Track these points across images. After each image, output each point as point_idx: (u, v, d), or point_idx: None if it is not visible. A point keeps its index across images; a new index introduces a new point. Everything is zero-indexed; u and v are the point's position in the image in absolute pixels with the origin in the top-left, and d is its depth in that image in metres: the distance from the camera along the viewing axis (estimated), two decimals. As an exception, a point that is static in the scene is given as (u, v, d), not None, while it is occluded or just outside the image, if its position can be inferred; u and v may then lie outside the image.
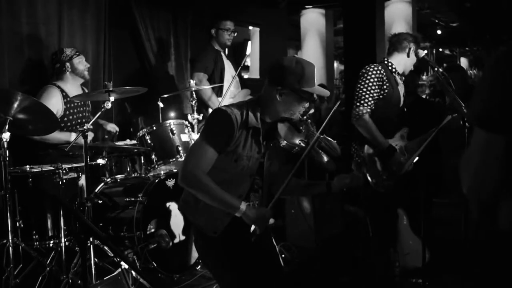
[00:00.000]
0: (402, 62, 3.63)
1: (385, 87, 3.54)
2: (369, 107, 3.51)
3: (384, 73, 3.56)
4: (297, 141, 2.66)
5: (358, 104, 3.53)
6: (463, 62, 20.09)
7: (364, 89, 3.53)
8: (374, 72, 3.54)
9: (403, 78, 3.76)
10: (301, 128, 2.67)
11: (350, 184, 2.78)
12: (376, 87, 3.51)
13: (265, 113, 2.61)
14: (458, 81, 4.59)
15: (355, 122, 3.55)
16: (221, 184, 2.48)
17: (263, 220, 2.50)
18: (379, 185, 3.49)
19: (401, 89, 3.68)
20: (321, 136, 2.70)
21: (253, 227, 2.50)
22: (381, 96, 3.55)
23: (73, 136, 4.31)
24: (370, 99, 3.52)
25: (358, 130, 3.60)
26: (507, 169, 1.63)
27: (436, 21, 13.54)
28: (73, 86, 4.58)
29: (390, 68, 3.63)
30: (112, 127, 4.84)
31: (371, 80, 3.53)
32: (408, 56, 3.62)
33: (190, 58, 6.60)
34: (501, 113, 1.59)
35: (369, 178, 3.45)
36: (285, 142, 2.65)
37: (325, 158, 2.76)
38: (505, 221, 1.67)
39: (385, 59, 3.68)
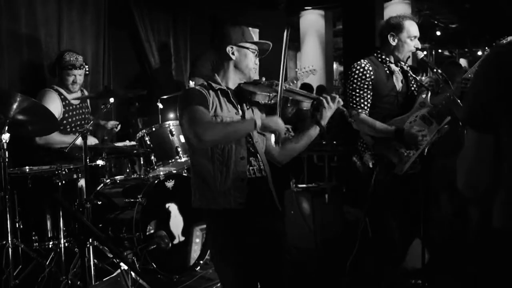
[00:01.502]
0: (390, 51, 3.60)
1: (369, 80, 3.50)
2: (359, 107, 3.49)
3: (369, 67, 3.50)
4: (267, 90, 2.73)
5: (350, 107, 3.50)
6: (462, 63, 20.10)
7: (353, 92, 3.51)
8: (357, 71, 3.50)
9: (402, 64, 3.66)
10: (261, 81, 2.80)
11: (330, 108, 2.81)
12: (363, 85, 3.49)
13: (226, 80, 2.76)
14: (459, 76, 4.51)
15: (354, 125, 3.53)
16: (223, 150, 2.61)
17: (278, 122, 2.63)
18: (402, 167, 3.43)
19: (398, 76, 3.63)
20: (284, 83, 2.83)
21: (273, 139, 2.71)
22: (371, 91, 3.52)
23: (78, 139, 4.30)
24: (359, 98, 3.49)
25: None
26: (499, 168, 1.67)
27: (436, 22, 13.56)
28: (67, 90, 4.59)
29: (380, 59, 3.60)
30: (113, 124, 4.83)
31: (356, 80, 3.49)
32: (393, 43, 3.57)
33: (189, 60, 6.61)
34: (485, 113, 1.65)
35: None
36: (259, 94, 2.72)
37: (305, 102, 2.79)
38: (498, 219, 1.71)
39: (376, 50, 3.64)
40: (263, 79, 2.81)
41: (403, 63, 3.63)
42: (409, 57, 3.63)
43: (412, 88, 3.67)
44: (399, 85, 3.61)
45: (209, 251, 4.26)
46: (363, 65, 3.52)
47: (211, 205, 2.64)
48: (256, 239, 2.66)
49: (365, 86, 3.49)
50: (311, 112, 2.86)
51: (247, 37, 2.78)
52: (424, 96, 3.52)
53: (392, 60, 3.58)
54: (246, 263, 2.64)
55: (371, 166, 3.43)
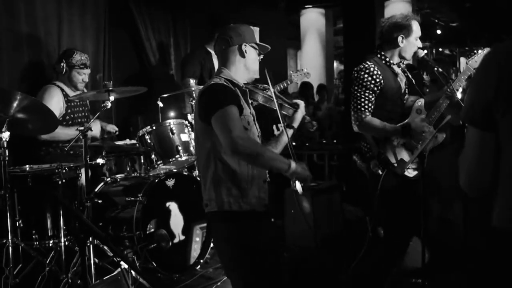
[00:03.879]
0: (395, 53, 3.59)
1: (378, 84, 3.48)
2: (367, 110, 3.47)
3: (377, 69, 3.47)
4: (263, 92, 2.86)
5: (356, 110, 3.49)
6: (463, 61, 20.07)
7: (359, 94, 3.47)
8: (365, 74, 3.45)
9: (403, 64, 3.66)
10: (258, 85, 2.89)
11: (303, 112, 2.93)
12: (370, 88, 3.46)
13: (237, 78, 2.78)
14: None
15: (358, 128, 3.51)
16: None
17: (307, 170, 2.63)
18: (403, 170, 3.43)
19: (402, 78, 3.63)
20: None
21: (298, 187, 2.63)
22: (377, 95, 3.49)
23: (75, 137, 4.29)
24: (366, 102, 3.46)
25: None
26: (498, 168, 1.68)
27: (436, 21, 13.55)
28: (69, 88, 4.59)
29: (384, 61, 3.57)
30: (112, 128, 4.85)
31: (364, 82, 3.45)
32: (401, 44, 3.55)
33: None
34: (484, 111, 1.66)
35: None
36: (261, 96, 2.82)
37: (290, 110, 2.95)
38: (497, 219, 1.72)
39: (379, 52, 3.59)
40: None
41: (402, 64, 3.63)
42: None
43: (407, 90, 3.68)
44: (403, 86, 3.61)
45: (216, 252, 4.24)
46: (371, 68, 3.46)
47: (242, 207, 2.60)
48: (268, 240, 2.70)
49: (374, 89, 3.46)
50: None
51: (255, 39, 2.86)
52: (419, 103, 3.54)
53: (395, 61, 3.57)
54: (264, 266, 2.64)
55: (380, 172, 3.43)
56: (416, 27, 3.54)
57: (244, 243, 2.62)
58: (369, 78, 3.46)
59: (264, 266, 2.64)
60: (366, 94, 3.46)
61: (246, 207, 2.60)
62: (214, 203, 2.63)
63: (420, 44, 3.56)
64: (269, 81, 2.82)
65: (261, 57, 2.87)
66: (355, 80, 3.52)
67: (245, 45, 2.77)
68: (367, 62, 3.52)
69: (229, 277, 2.81)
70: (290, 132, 2.92)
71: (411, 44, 3.54)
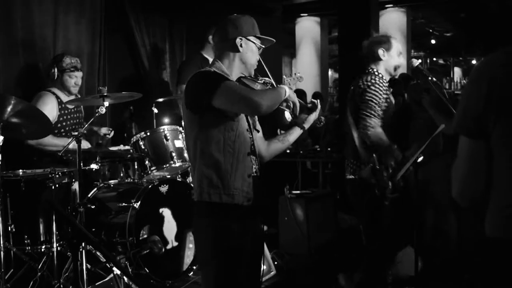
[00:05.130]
0: (383, 67, 3.62)
1: (388, 99, 3.53)
2: (379, 118, 3.48)
3: (387, 85, 3.56)
4: (262, 83, 2.77)
5: (369, 115, 3.46)
6: (457, 71, 20.21)
7: (375, 100, 3.46)
8: (382, 83, 3.50)
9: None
10: (258, 78, 2.79)
11: (317, 114, 2.84)
12: (384, 99, 3.50)
13: (230, 71, 2.69)
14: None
15: (369, 134, 3.44)
16: (234, 143, 2.56)
17: (295, 95, 2.70)
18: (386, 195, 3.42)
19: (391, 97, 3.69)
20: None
21: (287, 115, 2.72)
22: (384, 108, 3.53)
23: (71, 143, 4.26)
24: (379, 110, 3.48)
25: (351, 145, 3.57)
26: (490, 177, 1.69)
27: (431, 30, 13.61)
28: (64, 94, 4.57)
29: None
30: (106, 130, 4.82)
31: (380, 91, 3.48)
32: (383, 59, 3.60)
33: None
34: (475, 121, 1.68)
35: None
36: (259, 87, 2.71)
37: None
38: (489, 228, 1.73)
39: (374, 69, 3.61)
40: (258, 76, 2.81)
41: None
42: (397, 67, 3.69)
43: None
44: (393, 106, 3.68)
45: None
46: (384, 79, 3.54)
47: (222, 198, 2.55)
48: (249, 239, 2.63)
49: (384, 98, 3.52)
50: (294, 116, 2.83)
51: (256, 31, 2.74)
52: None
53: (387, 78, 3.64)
54: (236, 262, 2.59)
55: (373, 181, 3.42)
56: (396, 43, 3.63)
57: (222, 237, 2.56)
58: (384, 85, 3.53)
59: (240, 264, 2.59)
60: (380, 102, 3.50)
61: (227, 199, 2.55)
62: (196, 193, 2.62)
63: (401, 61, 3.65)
64: (269, 74, 2.78)
65: (261, 50, 2.76)
66: (371, 87, 3.50)
67: (241, 39, 2.66)
68: (381, 74, 3.58)
69: (202, 270, 2.75)
70: (300, 132, 2.84)
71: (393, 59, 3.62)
